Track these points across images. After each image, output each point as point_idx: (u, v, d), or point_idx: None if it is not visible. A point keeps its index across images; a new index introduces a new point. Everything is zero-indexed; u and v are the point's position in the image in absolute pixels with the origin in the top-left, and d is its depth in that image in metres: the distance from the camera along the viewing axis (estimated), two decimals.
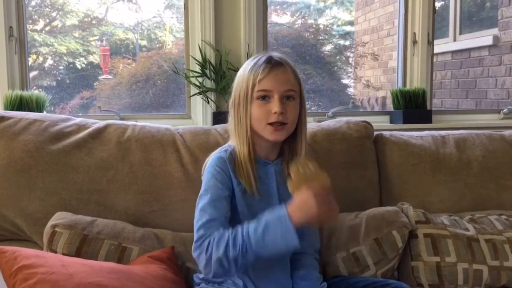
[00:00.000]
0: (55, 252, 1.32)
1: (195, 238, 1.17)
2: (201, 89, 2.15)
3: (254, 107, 1.23)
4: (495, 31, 3.67)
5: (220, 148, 1.32)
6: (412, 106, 2.36)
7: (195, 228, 1.19)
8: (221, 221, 1.18)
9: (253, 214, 1.19)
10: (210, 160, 1.28)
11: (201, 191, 1.24)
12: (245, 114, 1.24)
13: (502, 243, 1.53)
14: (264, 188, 1.27)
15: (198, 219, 1.19)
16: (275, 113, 1.21)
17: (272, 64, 1.23)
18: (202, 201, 1.21)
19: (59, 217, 1.39)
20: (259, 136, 1.26)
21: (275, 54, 1.28)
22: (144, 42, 3.90)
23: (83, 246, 1.34)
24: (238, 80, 1.27)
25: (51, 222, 1.37)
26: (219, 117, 2.12)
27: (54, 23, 3.74)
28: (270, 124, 1.23)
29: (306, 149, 1.33)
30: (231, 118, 1.29)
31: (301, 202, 1.12)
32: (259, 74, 1.22)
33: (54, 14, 3.70)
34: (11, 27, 2.08)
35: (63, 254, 1.31)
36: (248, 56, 2.15)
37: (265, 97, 1.23)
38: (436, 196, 1.74)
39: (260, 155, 1.29)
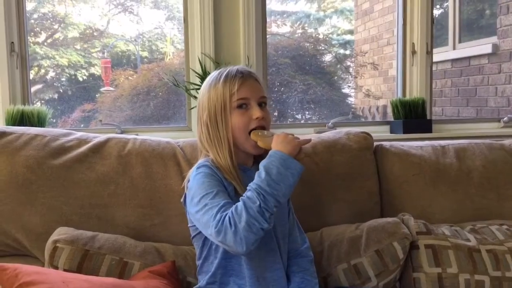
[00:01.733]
0: (57, 267, 1.32)
1: (213, 226, 1.13)
2: None
3: (234, 116, 1.28)
4: (494, 39, 3.68)
5: (197, 164, 1.31)
6: (412, 116, 2.36)
7: (208, 225, 1.15)
8: (231, 205, 1.16)
9: None
10: (194, 172, 1.27)
11: (197, 197, 1.20)
12: (225, 125, 1.28)
13: (503, 253, 1.53)
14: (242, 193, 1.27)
15: (209, 213, 1.15)
16: (257, 118, 1.28)
17: (244, 74, 1.30)
18: (204, 201, 1.18)
19: (61, 233, 1.39)
20: (237, 147, 1.30)
21: (242, 66, 1.35)
22: (145, 54, 3.92)
23: (84, 262, 1.34)
24: (209, 95, 1.30)
25: (53, 237, 1.38)
26: None
27: (56, 36, 3.77)
28: (252, 130, 1.28)
29: None
30: (205, 131, 1.31)
31: (277, 140, 1.21)
32: (235, 84, 1.28)
33: (55, 26, 3.73)
34: (12, 42, 2.10)
35: (65, 269, 1.31)
36: (248, 67, 2.16)
37: (243, 106, 1.29)
38: (436, 207, 1.74)
39: (239, 162, 1.32)
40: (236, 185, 1.27)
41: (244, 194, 1.17)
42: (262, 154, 1.31)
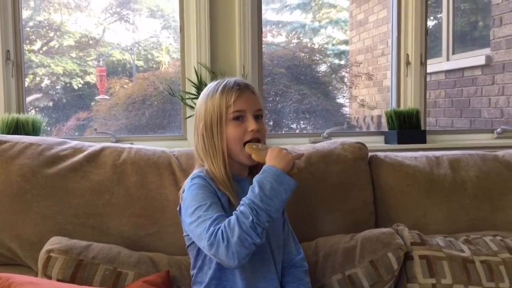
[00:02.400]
0: (50, 277, 1.31)
1: (206, 239, 1.14)
2: None
3: (229, 128, 1.29)
4: (487, 51, 3.72)
5: (191, 175, 1.32)
6: (407, 127, 2.38)
7: (201, 237, 1.16)
8: (224, 218, 1.17)
9: None
10: (189, 183, 1.28)
11: (191, 208, 1.22)
12: (220, 137, 1.29)
13: (497, 264, 1.53)
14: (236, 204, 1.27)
15: (202, 226, 1.17)
16: (252, 130, 1.29)
17: (241, 87, 1.31)
18: (197, 213, 1.19)
19: (54, 242, 1.39)
20: (232, 158, 1.31)
21: (239, 79, 1.36)
22: (141, 63, 3.92)
23: (78, 271, 1.33)
24: (206, 106, 1.31)
25: (46, 247, 1.37)
26: None
27: (52, 44, 3.77)
28: (247, 143, 1.29)
29: None
30: (201, 142, 1.32)
31: (271, 154, 1.22)
32: (232, 96, 1.29)
33: (51, 34, 3.73)
34: (8, 50, 2.10)
35: (58, 279, 1.30)
36: (243, 77, 2.17)
37: (239, 118, 1.29)
38: (431, 217, 1.75)
39: (233, 173, 1.32)
40: (230, 196, 1.27)
41: (237, 209, 1.17)
42: (256, 165, 1.31)
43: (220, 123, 1.29)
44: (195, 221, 1.19)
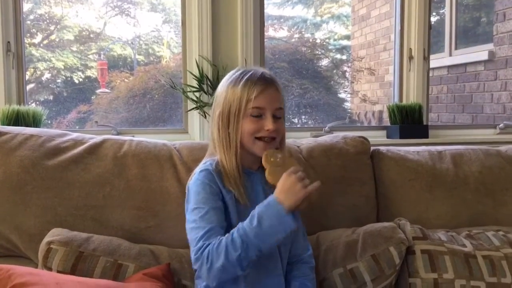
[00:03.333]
0: (50, 269, 1.31)
1: (193, 252, 1.17)
2: (198, 104, 2.15)
3: (246, 122, 1.25)
4: (490, 46, 3.70)
5: (202, 163, 1.32)
6: (409, 121, 2.36)
7: (191, 244, 1.19)
8: (217, 231, 1.18)
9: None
10: (196, 175, 1.27)
11: (191, 205, 1.23)
12: (236, 129, 1.25)
13: (499, 260, 1.53)
14: (252, 196, 1.28)
15: (194, 234, 1.18)
16: (268, 130, 1.25)
17: (266, 81, 1.26)
18: (194, 216, 1.21)
19: (55, 234, 1.38)
20: (245, 149, 1.28)
21: (266, 71, 1.30)
22: (141, 57, 3.91)
23: (78, 263, 1.33)
24: (227, 93, 1.27)
25: (47, 238, 1.36)
26: None
27: (52, 37, 3.75)
28: (259, 138, 1.26)
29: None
30: (215, 129, 1.29)
31: (284, 185, 1.16)
32: (254, 91, 1.24)
33: (52, 28, 3.71)
34: (8, 42, 2.08)
35: (58, 271, 1.30)
36: None
37: (257, 114, 1.25)
38: (433, 212, 1.74)
39: (244, 165, 1.30)
40: (237, 192, 1.25)
41: (231, 232, 1.15)
42: None
43: (237, 116, 1.25)
44: (191, 222, 1.21)
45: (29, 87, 3.32)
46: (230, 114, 1.25)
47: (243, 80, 1.25)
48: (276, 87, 1.28)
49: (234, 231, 1.15)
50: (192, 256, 1.17)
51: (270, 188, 1.26)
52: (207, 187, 1.23)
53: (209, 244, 1.14)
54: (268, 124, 1.24)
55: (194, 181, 1.26)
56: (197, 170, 1.29)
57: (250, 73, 1.27)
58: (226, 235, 1.15)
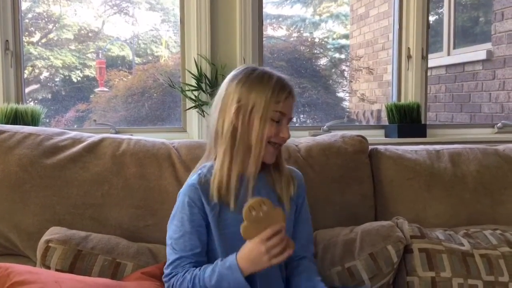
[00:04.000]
0: (49, 267, 1.31)
1: (165, 268, 1.23)
2: (196, 103, 2.15)
3: (265, 125, 1.21)
4: (488, 45, 3.70)
5: (196, 169, 1.31)
6: (407, 120, 2.37)
7: (167, 261, 1.24)
8: (188, 258, 1.21)
9: (230, 236, 1.22)
10: (184, 186, 1.27)
11: (172, 215, 1.27)
12: (252, 129, 1.21)
13: (497, 258, 1.53)
14: (243, 203, 1.22)
15: (168, 252, 1.24)
16: (283, 137, 1.25)
17: (290, 89, 1.25)
18: (171, 231, 1.25)
19: (53, 232, 1.38)
20: (251, 152, 1.24)
21: (286, 77, 1.28)
22: (140, 56, 3.91)
23: (76, 262, 1.33)
24: (250, 90, 1.22)
25: (45, 237, 1.37)
26: None
27: (51, 36, 3.74)
28: (270, 143, 1.24)
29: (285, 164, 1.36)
30: (225, 124, 1.23)
31: (251, 252, 1.13)
32: (284, 95, 1.22)
33: (50, 26, 3.71)
34: (7, 40, 2.08)
35: (57, 269, 1.30)
36: None
37: (278, 119, 1.23)
38: (431, 211, 1.74)
39: (240, 170, 1.25)
40: (225, 204, 1.22)
41: (194, 276, 1.17)
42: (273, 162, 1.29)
43: (262, 116, 1.20)
44: (168, 237, 1.25)
45: (27, 86, 3.32)
46: (253, 112, 1.21)
47: (273, 81, 1.23)
48: (294, 95, 1.27)
49: (198, 276, 1.16)
50: (164, 271, 1.23)
51: (272, 194, 1.27)
52: (187, 207, 1.23)
53: (176, 274, 1.20)
54: (285, 132, 1.25)
55: (181, 193, 1.27)
56: (189, 178, 1.29)
57: (277, 76, 1.25)
58: (192, 273, 1.18)
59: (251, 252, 1.13)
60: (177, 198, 1.28)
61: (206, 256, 1.25)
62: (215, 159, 1.27)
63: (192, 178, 1.27)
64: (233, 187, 1.22)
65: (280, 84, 1.23)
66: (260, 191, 1.26)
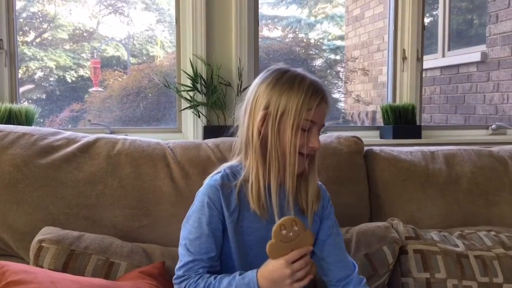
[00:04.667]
0: (42, 267, 1.30)
1: (177, 269, 1.17)
2: (192, 103, 2.15)
3: (296, 134, 1.12)
4: (483, 47, 3.72)
5: (218, 169, 1.24)
6: (402, 122, 2.37)
7: (179, 257, 1.18)
8: (202, 261, 1.15)
9: (246, 243, 1.17)
10: (203, 188, 1.20)
11: (189, 215, 1.20)
12: (281, 138, 1.13)
13: (491, 260, 1.53)
14: (269, 213, 1.19)
15: (182, 253, 1.18)
16: (313, 147, 1.15)
17: (324, 94, 1.15)
18: (186, 231, 1.18)
19: (46, 232, 1.37)
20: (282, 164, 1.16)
21: (319, 81, 1.18)
22: (135, 56, 3.90)
23: (70, 262, 1.32)
24: (280, 96, 1.13)
25: (38, 237, 1.35)
26: (210, 131, 2.12)
27: (45, 35, 3.73)
28: (300, 153, 1.14)
29: (317, 178, 1.26)
30: (253, 133, 1.15)
31: (274, 272, 1.07)
32: (316, 102, 1.12)
33: (45, 26, 3.69)
34: (1, 40, 2.07)
35: (50, 269, 1.29)
36: (239, 70, 2.16)
37: (307, 128, 1.14)
38: (425, 212, 1.75)
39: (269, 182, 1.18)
40: (244, 211, 1.17)
41: (209, 283, 1.11)
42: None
43: (293, 124, 1.11)
44: (182, 237, 1.19)
45: (21, 86, 3.30)
46: (282, 120, 1.12)
47: (305, 85, 1.13)
48: (327, 101, 1.17)
49: (211, 286, 1.11)
50: (176, 272, 1.17)
51: (296, 205, 1.20)
52: (206, 209, 1.16)
53: (188, 278, 1.14)
54: (315, 142, 1.15)
55: (200, 193, 1.20)
56: (209, 178, 1.22)
57: (310, 79, 1.15)
58: (205, 280, 1.12)
59: (274, 273, 1.07)
60: (196, 197, 1.21)
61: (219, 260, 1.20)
62: (245, 165, 1.20)
63: (214, 178, 1.20)
64: (275, 199, 1.15)
65: (313, 89, 1.13)
66: (282, 201, 1.19)
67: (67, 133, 1.64)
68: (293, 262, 1.08)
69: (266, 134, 1.14)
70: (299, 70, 1.19)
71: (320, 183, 1.31)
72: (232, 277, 1.12)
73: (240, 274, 1.12)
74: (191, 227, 1.18)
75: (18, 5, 3.24)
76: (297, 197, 1.22)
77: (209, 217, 1.16)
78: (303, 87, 1.13)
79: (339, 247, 1.29)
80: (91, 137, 1.63)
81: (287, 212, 1.17)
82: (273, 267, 1.08)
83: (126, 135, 1.81)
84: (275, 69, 1.19)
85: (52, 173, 1.51)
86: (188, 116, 2.22)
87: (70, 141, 1.59)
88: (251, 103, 1.17)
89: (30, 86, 3.58)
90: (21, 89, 3.00)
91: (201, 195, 1.19)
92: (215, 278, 1.13)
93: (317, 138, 1.16)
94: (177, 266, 1.18)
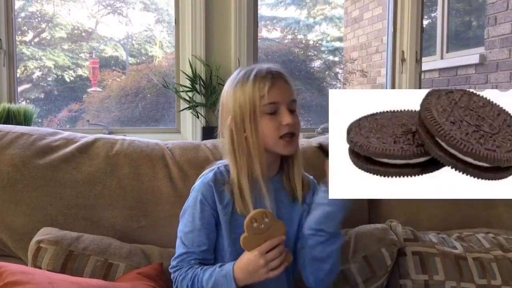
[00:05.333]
0: (40, 268, 1.30)
1: (171, 265, 1.24)
2: (191, 104, 2.15)
3: (264, 123, 1.17)
4: (481, 49, 3.73)
5: (210, 167, 1.29)
6: None
7: (174, 253, 1.25)
8: (195, 254, 1.21)
9: (239, 237, 1.17)
10: (197, 184, 1.26)
11: (183, 210, 1.26)
12: (255, 131, 1.17)
13: (489, 262, 1.53)
14: (261, 206, 1.21)
15: (177, 244, 1.24)
16: (287, 124, 1.17)
17: (274, 75, 1.19)
18: (182, 225, 1.25)
19: (45, 233, 1.37)
20: (267, 152, 1.21)
21: (271, 65, 1.23)
22: (133, 58, 3.90)
23: (68, 262, 1.32)
24: (235, 96, 1.19)
25: (36, 237, 1.35)
26: (209, 132, 2.12)
27: (43, 35, 3.73)
28: (281, 137, 1.18)
29: (302, 164, 1.30)
30: (229, 138, 1.21)
31: (249, 263, 1.11)
32: (266, 85, 1.16)
33: (43, 25, 3.69)
34: (0, 39, 2.07)
35: (48, 270, 1.29)
36: None
37: (272, 110, 1.17)
38: (424, 214, 1.74)
39: (256, 173, 1.21)
40: (239, 204, 1.20)
41: (195, 274, 1.17)
42: (289, 159, 1.25)
43: (254, 116, 1.16)
44: (179, 230, 1.25)
45: (20, 85, 3.30)
46: (245, 117, 1.17)
47: (251, 77, 1.18)
48: (285, 78, 1.20)
49: (198, 276, 1.16)
50: (171, 262, 1.24)
51: (286, 198, 1.26)
52: (198, 204, 1.22)
53: (181, 269, 1.21)
54: (286, 119, 1.17)
55: (194, 190, 1.26)
56: (204, 174, 1.27)
57: (256, 69, 1.20)
58: (193, 271, 1.18)
59: (249, 264, 1.11)
60: (191, 192, 1.27)
61: (214, 254, 1.24)
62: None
63: (207, 175, 1.25)
64: (249, 191, 1.19)
65: (259, 77, 1.17)
66: (276, 194, 1.25)
67: (66, 133, 1.64)
68: (267, 252, 1.11)
69: (242, 134, 1.19)
70: (255, 64, 1.24)
71: (311, 176, 1.36)
72: (213, 268, 1.17)
73: (220, 266, 1.17)
74: (186, 220, 1.24)
75: (17, 4, 3.23)
76: (290, 187, 1.28)
77: (200, 212, 1.22)
78: (249, 80, 1.18)
79: None
80: (89, 137, 1.63)
81: (260, 206, 1.20)
82: (247, 259, 1.12)
83: (125, 135, 1.81)
84: (234, 73, 1.24)
85: (51, 174, 1.51)
86: (187, 117, 2.22)
87: (68, 142, 1.59)
88: (220, 109, 1.24)
89: (28, 86, 3.58)
90: (19, 89, 3.00)
91: (195, 191, 1.25)
92: (201, 269, 1.18)
93: (287, 114, 1.17)
94: (173, 257, 1.24)
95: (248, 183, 1.19)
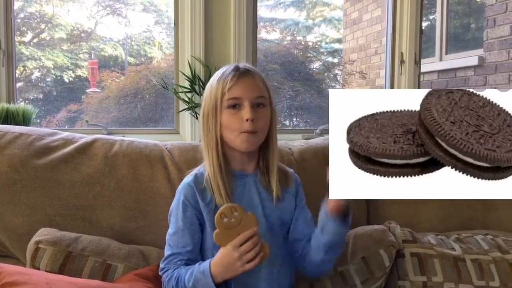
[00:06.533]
0: (38, 269, 1.29)
1: (160, 265, 1.26)
2: (190, 105, 2.15)
3: (224, 116, 1.21)
4: (480, 51, 3.73)
5: (197, 168, 1.32)
6: None
7: (164, 255, 1.28)
8: (180, 255, 1.23)
9: None
10: (180, 185, 1.28)
11: (170, 209, 1.29)
12: (214, 125, 1.22)
13: (488, 263, 1.54)
14: (244, 201, 1.25)
15: (165, 249, 1.27)
16: (247, 120, 1.19)
17: (239, 72, 1.22)
18: (169, 227, 1.27)
19: (43, 233, 1.37)
20: (231, 148, 1.24)
21: (242, 64, 1.27)
22: (132, 58, 3.90)
23: (67, 263, 1.32)
24: (206, 93, 1.26)
25: (35, 238, 1.35)
26: None
27: (43, 35, 3.72)
28: (243, 132, 1.20)
29: (278, 157, 1.31)
30: (202, 134, 1.27)
31: (223, 258, 1.13)
32: (227, 82, 1.20)
33: (42, 26, 3.68)
34: None
35: (46, 271, 1.29)
36: None
37: (235, 106, 1.20)
38: (423, 215, 1.75)
39: (235, 168, 1.27)
40: (219, 200, 1.21)
41: (179, 275, 1.19)
42: (264, 157, 1.28)
43: (215, 112, 1.21)
44: (167, 233, 1.27)
45: (18, 85, 3.29)
46: (209, 111, 1.23)
47: (218, 76, 1.24)
48: (252, 75, 1.23)
49: (182, 275, 1.18)
50: (160, 264, 1.26)
51: (267, 192, 1.28)
52: (181, 205, 1.24)
53: (168, 270, 1.23)
54: (246, 114, 1.18)
55: (177, 191, 1.29)
56: (186, 176, 1.30)
57: (225, 68, 1.25)
58: (179, 270, 1.20)
59: (224, 259, 1.13)
60: (176, 193, 1.29)
61: (200, 254, 1.26)
62: None
63: (188, 177, 1.28)
64: (222, 185, 1.22)
65: (223, 74, 1.23)
66: (259, 188, 1.28)
67: (65, 134, 1.64)
68: (241, 245, 1.12)
69: (208, 127, 1.24)
70: (231, 64, 1.27)
71: (291, 170, 1.38)
72: (193, 267, 1.19)
73: (199, 264, 1.19)
74: (171, 223, 1.27)
75: (16, 5, 3.23)
76: (264, 181, 1.29)
77: (183, 213, 1.24)
78: (217, 77, 1.23)
79: (309, 226, 1.34)
80: (88, 138, 1.63)
81: (241, 200, 1.23)
82: (222, 254, 1.13)
83: (124, 136, 1.81)
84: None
85: (49, 174, 1.50)
86: (185, 118, 2.22)
87: (67, 142, 1.59)
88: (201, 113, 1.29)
89: (27, 86, 3.58)
90: (18, 89, 2.99)
91: (178, 193, 1.28)
92: (185, 269, 1.20)
93: (248, 110, 1.19)
94: (162, 259, 1.26)
95: (221, 178, 1.22)
